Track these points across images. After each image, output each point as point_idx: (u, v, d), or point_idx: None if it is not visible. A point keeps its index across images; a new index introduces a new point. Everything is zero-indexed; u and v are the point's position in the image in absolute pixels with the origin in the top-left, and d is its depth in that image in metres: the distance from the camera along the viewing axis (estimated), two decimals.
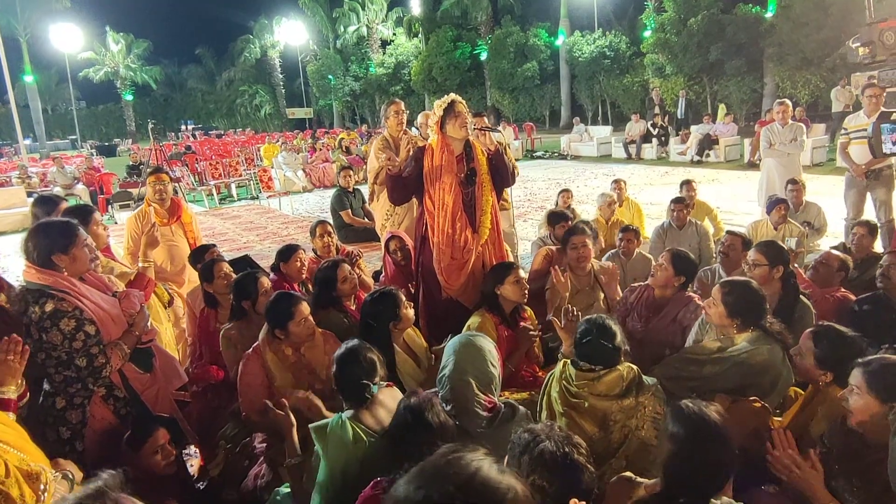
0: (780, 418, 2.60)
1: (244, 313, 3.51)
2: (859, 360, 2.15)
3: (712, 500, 1.79)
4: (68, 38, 38.29)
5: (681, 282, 3.61)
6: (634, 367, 2.58)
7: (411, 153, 3.97)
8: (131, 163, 16.93)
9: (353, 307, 3.82)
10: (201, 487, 2.99)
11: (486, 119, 5.58)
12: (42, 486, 1.75)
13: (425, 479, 0.96)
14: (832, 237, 6.34)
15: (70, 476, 1.97)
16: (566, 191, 6.63)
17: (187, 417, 3.15)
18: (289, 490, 2.48)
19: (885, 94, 4.14)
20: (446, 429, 2.06)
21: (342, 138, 19.19)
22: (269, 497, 2.63)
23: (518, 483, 0.97)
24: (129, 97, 48.03)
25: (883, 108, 5.75)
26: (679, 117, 18.38)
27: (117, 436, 2.63)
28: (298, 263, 4.19)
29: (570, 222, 4.92)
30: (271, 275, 4.12)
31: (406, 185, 3.87)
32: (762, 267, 3.35)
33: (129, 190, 13.93)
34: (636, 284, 3.93)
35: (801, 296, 3.41)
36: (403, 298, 3.26)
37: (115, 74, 46.10)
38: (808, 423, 2.46)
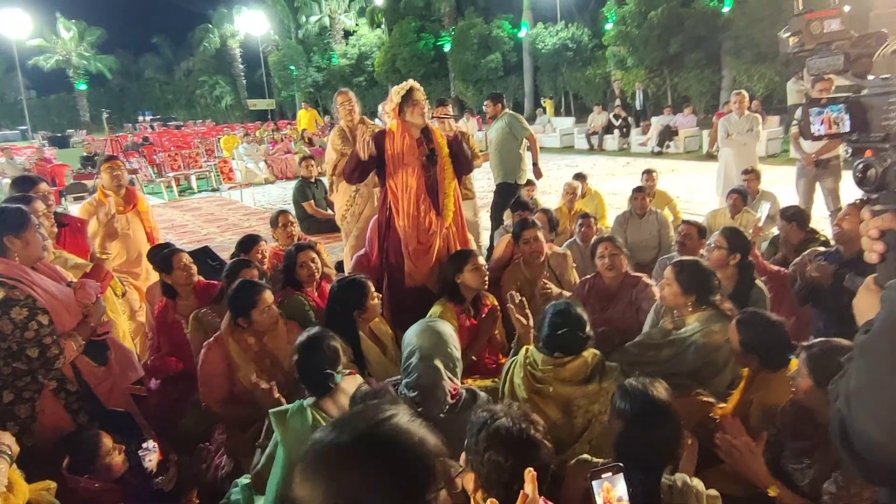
0: (724, 403, 2.67)
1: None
2: (805, 343, 2.23)
3: (666, 476, 1.85)
4: (16, 25, 36.85)
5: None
6: (598, 352, 2.62)
7: (369, 138, 3.91)
8: (85, 154, 16.39)
9: (316, 294, 3.79)
10: (158, 484, 2.92)
11: (449, 108, 5.57)
12: None
13: (341, 423, 1.00)
14: None
15: (7, 451, 1.91)
16: (530, 183, 6.71)
17: (145, 410, 3.10)
18: (248, 481, 2.45)
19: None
20: None
21: (301, 115, 18.51)
22: (229, 487, 2.60)
23: (432, 436, 0.98)
24: (83, 87, 46.43)
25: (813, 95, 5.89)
26: (637, 109, 18.67)
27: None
28: (260, 255, 4.15)
29: (529, 212, 4.96)
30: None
31: (365, 166, 3.80)
32: (721, 250, 3.43)
33: (83, 182, 13.52)
34: (585, 278, 3.97)
35: (756, 281, 3.51)
36: (372, 289, 3.27)
37: (67, 63, 44.47)
38: (748, 410, 2.53)
